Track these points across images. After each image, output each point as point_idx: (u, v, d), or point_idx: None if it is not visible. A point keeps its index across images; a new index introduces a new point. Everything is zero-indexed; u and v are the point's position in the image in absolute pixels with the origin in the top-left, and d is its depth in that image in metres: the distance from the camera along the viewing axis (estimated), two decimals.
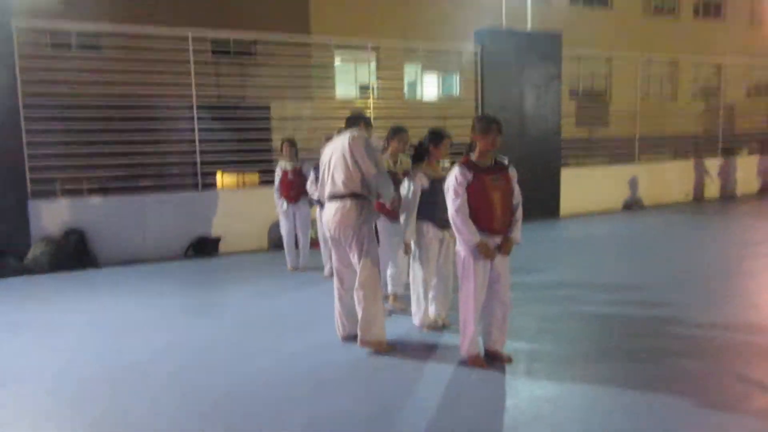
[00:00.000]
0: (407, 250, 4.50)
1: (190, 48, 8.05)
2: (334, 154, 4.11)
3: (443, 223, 4.21)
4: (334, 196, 4.08)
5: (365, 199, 4.08)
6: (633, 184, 11.79)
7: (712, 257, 7.09)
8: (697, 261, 6.85)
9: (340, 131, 4.44)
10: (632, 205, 11.65)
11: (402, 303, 5.17)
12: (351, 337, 4.28)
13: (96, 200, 7.77)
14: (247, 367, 3.93)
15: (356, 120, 4.36)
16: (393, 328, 4.60)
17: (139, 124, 8.66)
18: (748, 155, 13.87)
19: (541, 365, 3.81)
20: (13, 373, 3.93)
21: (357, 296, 4.13)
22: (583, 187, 11.12)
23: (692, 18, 19.92)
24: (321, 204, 4.78)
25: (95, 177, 9.13)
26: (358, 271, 4.09)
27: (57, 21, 8.60)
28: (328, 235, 4.25)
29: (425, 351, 4.13)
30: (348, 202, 4.03)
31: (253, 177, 12.33)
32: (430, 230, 4.41)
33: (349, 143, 4.02)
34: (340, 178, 4.03)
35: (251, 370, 3.89)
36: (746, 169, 13.54)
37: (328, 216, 4.13)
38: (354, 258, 4.11)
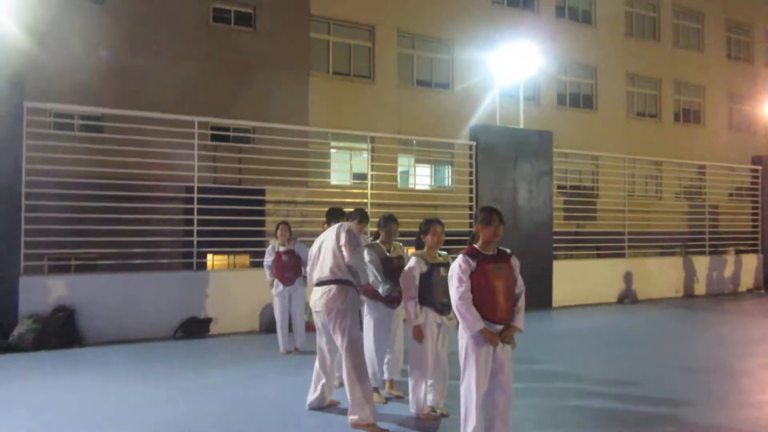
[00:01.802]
0: (419, 337, 4.40)
1: (196, 133, 8.34)
2: (325, 242, 4.49)
3: (442, 308, 4.31)
4: (321, 282, 4.42)
5: (350, 284, 4.40)
6: (626, 277, 11.95)
7: (708, 354, 7.11)
8: (692, 357, 6.85)
9: (329, 223, 4.81)
10: (624, 298, 11.76)
11: (398, 390, 5.11)
12: (316, 408, 4.66)
13: (88, 278, 7.75)
14: None
15: (336, 213, 4.88)
16: (390, 417, 4.53)
17: (137, 204, 8.79)
18: (735, 254, 14.19)
19: None
20: None
21: (347, 381, 4.31)
22: (575, 279, 11.26)
23: (673, 122, 21.01)
24: None
25: (89, 254, 9.13)
26: (344, 354, 4.33)
27: (63, 103, 8.91)
28: (315, 319, 4.51)
29: None
30: (333, 288, 4.36)
31: (244, 259, 12.37)
32: (429, 315, 4.45)
33: (337, 231, 4.42)
34: (328, 265, 4.39)
35: None
36: (734, 268, 13.81)
37: (315, 299, 4.45)
38: (339, 341, 4.37)
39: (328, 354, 4.60)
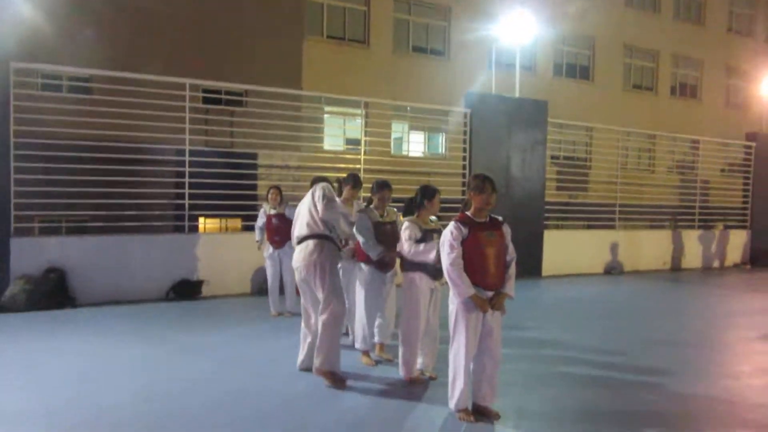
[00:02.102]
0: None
1: (187, 95, 8.24)
2: (302, 206, 4.72)
3: (435, 273, 4.36)
4: (299, 239, 4.62)
5: (326, 238, 4.56)
6: (613, 249, 12.09)
7: (691, 326, 7.26)
8: (675, 329, 6.99)
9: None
10: (612, 269, 11.91)
11: (388, 353, 5.20)
12: (307, 369, 4.72)
13: (79, 239, 7.73)
14: (226, 413, 3.90)
15: (319, 181, 4.88)
16: (379, 379, 4.62)
17: (127, 166, 8.73)
18: (724, 229, 14.35)
19: (529, 423, 3.85)
20: None
21: (320, 326, 4.47)
22: (565, 249, 11.38)
23: (669, 96, 20.96)
24: None
25: (80, 216, 9.10)
26: (322, 304, 4.48)
27: (53, 64, 8.76)
28: (296, 276, 4.66)
29: (412, 403, 4.14)
30: (310, 242, 4.54)
31: (236, 223, 12.38)
32: (423, 280, 4.51)
33: (312, 189, 4.69)
34: (304, 221, 4.60)
35: (245, 415, 3.86)
36: (722, 243, 13.99)
37: (296, 257, 4.63)
38: (319, 293, 4.52)
39: (312, 312, 4.69)
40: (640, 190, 15.12)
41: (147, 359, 5.13)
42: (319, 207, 4.53)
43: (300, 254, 4.56)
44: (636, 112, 19.15)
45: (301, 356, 4.82)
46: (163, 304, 7.62)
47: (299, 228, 4.64)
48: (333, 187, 4.95)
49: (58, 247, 7.39)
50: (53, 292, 7.06)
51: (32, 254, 7.21)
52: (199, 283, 8.06)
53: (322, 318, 4.47)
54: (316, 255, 4.49)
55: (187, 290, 7.93)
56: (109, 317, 6.77)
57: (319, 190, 4.58)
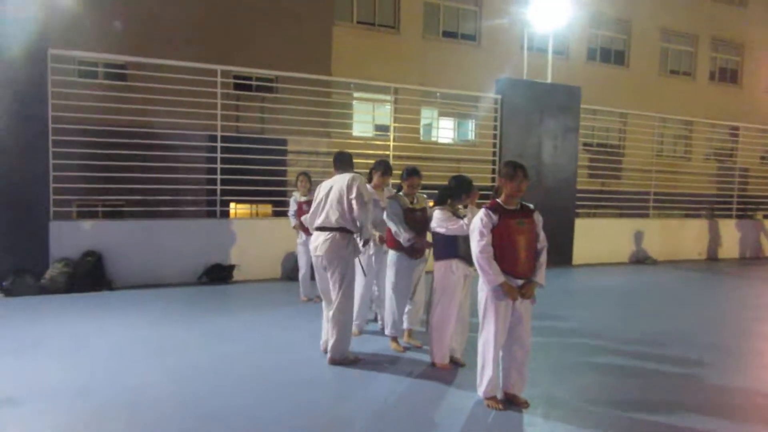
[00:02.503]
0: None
1: (218, 81, 8.33)
2: (333, 190, 4.62)
3: (470, 259, 4.33)
4: (324, 228, 4.61)
5: (352, 234, 4.60)
6: (646, 238, 11.87)
7: (727, 316, 7.11)
8: (710, 318, 6.86)
9: (337, 168, 4.85)
10: (645, 259, 11.70)
11: (416, 340, 5.23)
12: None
13: (115, 223, 7.92)
14: (272, 396, 3.98)
15: (345, 158, 4.86)
16: (407, 366, 4.65)
17: (161, 152, 8.88)
18: (763, 219, 13.96)
19: (559, 412, 3.84)
20: (32, 391, 3.98)
21: (333, 320, 4.60)
22: (596, 238, 11.22)
23: (708, 82, 20.36)
24: None
25: (115, 200, 9.31)
26: (335, 297, 4.58)
27: (88, 51, 8.94)
28: (315, 262, 4.68)
29: (441, 390, 4.16)
30: (337, 235, 4.57)
31: (266, 208, 12.52)
32: (460, 267, 4.51)
33: (349, 182, 4.56)
34: (335, 213, 4.57)
35: (276, 398, 3.93)
36: (761, 233, 13.61)
37: (317, 243, 4.62)
38: (333, 284, 4.60)
39: (329, 297, 4.74)
40: (675, 178, 14.77)
41: (179, 341, 5.25)
42: (355, 206, 4.52)
43: (325, 244, 4.57)
44: (672, 98, 18.66)
45: (323, 337, 4.90)
46: (195, 287, 7.77)
47: (326, 216, 4.62)
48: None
49: (95, 231, 7.59)
50: (91, 275, 7.26)
51: (70, 238, 7.41)
52: (230, 268, 8.19)
53: (333, 312, 4.59)
54: (342, 248, 4.55)
55: (219, 274, 8.07)
56: (143, 300, 6.94)
57: (356, 188, 4.54)
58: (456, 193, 4.60)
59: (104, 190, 8.54)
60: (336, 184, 4.65)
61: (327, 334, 4.79)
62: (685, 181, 15.36)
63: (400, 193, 5.08)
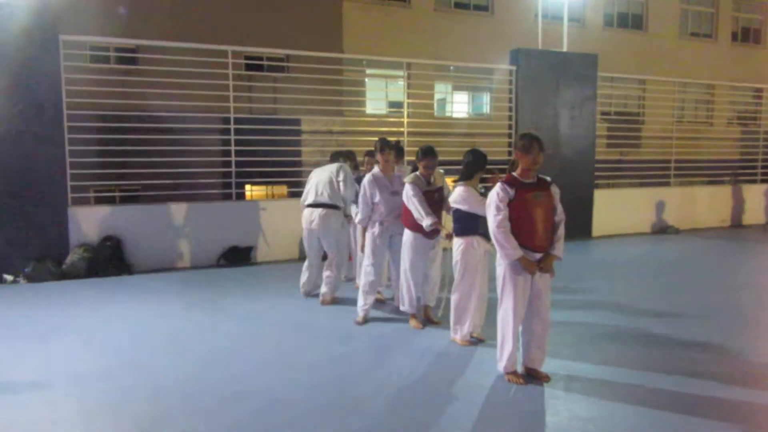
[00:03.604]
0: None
1: (230, 62, 8.28)
2: (323, 176, 5.89)
3: (489, 235, 4.28)
4: (317, 204, 5.82)
5: (340, 209, 5.85)
6: (668, 207, 11.69)
7: (753, 285, 7.00)
8: (734, 288, 6.76)
9: (333, 158, 6.27)
10: (666, 228, 11.54)
11: (435, 317, 5.25)
12: (309, 295, 6.22)
13: (132, 208, 8.00)
14: (293, 376, 4.02)
15: (336, 155, 6.27)
16: (426, 342, 4.67)
17: (175, 136, 8.92)
18: None
19: (581, 385, 3.83)
20: (59, 375, 4.06)
21: (327, 271, 5.94)
22: (616, 209, 11.08)
23: (730, 43, 19.81)
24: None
25: (132, 185, 9.39)
26: (335, 255, 5.90)
27: (99, 36, 8.94)
28: (307, 235, 5.91)
29: (461, 366, 4.17)
30: (330, 211, 5.78)
31: (282, 189, 12.56)
32: (481, 244, 4.48)
33: (337, 170, 5.89)
34: (326, 192, 5.80)
35: (297, 378, 3.97)
36: None
37: (314, 217, 5.80)
38: (332, 248, 5.90)
39: (314, 258, 6.07)
40: (697, 145, 14.47)
41: (200, 324, 5.32)
42: (342, 186, 5.81)
43: (318, 219, 5.76)
44: (693, 62, 18.20)
45: (304, 287, 6.21)
46: (213, 270, 7.84)
47: (318, 195, 5.82)
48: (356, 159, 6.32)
49: (113, 216, 7.67)
50: (110, 260, 7.36)
51: (89, 223, 7.50)
52: (248, 250, 8.25)
53: (330, 267, 5.91)
54: (333, 221, 5.79)
55: (236, 256, 8.13)
56: (163, 283, 7.03)
57: (342, 173, 5.85)
58: (479, 167, 4.53)
59: (120, 176, 8.60)
60: (327, 170, 5.91)
61: (309, 283, 6.18)
62: (708, 147, 15.05)
63: (417, 174, 5.03)
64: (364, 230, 5.47)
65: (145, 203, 8.39)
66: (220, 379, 3.97)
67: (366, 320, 5.27)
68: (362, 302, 5.29)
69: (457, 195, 4.50)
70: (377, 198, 5.24)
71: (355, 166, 6.50)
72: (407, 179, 5.02)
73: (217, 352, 4.51)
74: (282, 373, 4.07)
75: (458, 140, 12.96)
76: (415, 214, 4.86)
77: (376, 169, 5.37)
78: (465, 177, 4.55)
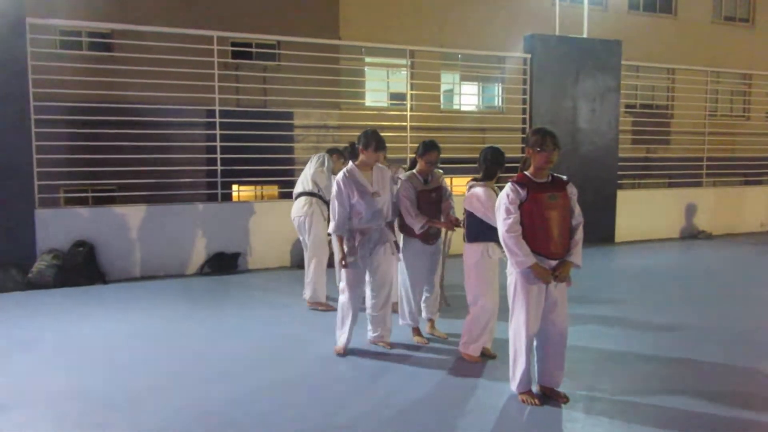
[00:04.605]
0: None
1: (215, 49, 8.30)
2: (308, 167, 6.49)
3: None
4: (296, 195, 6.44)
5: (316, 196, 6.34)
6: (700, 210, 11.68)
7: None
8: None
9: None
10: (698, 233, 11.53)
11: (440, 331, 5.25)
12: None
13: (107, 210, 8.00)
14: (255, 401, 4.02)
15: (335, 151, 6.73)
16: (432, 358, 4.66)
17: (155, 130, 8.93)
18: None
19: (603, 407, 3.82)
20: (25, 396, 4.06)
21: (306, 265, 6.33)
22: (641, 212, 11.08)
23: None
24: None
25: (106, 185, 9.40)
26: (309, 247, 6.31)
27: (69, 19, 8.96)
28: (294, 224, 6.44)
29: (469, 386, 4.17)
30: (303, 198, 6.34)
31: (272, 190, 12.58)
32: (496, 251, 4.48)
33: (318, 158, 6.52)
34: (301, 181, 6.44)
35: (288, 400, 3.97)
36: None
37: (292, 210, 6.42)
38: (307, 237, 6.30)
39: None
40: (732, 141, 14.49)
41: (182, 339, 5.32)
42: (319, 179, 6.35)
43: (295, 208, 6.38)
44: (728, 49, 18.21)
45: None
46: (197, 279, 7.84)
47: (296, 187, 6.48)
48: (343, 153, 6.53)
49: (86, 218, 7.67)
50: (82, 267, 7.35)
51: (59, 227, 7.51)
52: (235, 256, 8.25)
53: (306, 259, 6.30)
54: (307, 207, 6.27)
55: (222, 264, 8.13)
56: (141, 293, 7.03)
57: (317, 164, 6.44)
58: (494, 166, 4.54)
59: (94, 174, 8.60)
60: (311, 161, 6.50)
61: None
62: (744, 143, 15.06)
63: (414, 171, 5.03)
64: (341, 241, 4.82)
65: (121, 205, 8.39)
66: (205, 399, 3.97)
67: (345, 349, 4.85)
68: (338, 333, 4.92)
69: (476, 196, 4.47)
70: (355, 199, 4.74)
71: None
72: (402, 177, 5.04)
73: (201, 371, 4.51)
74: (274, 391, 4.06)
75: (467, 136, 13.00)
76: (404, 215, 4.90)
77: (351, 164, 4.89)
78: (487, 176, 4.55)
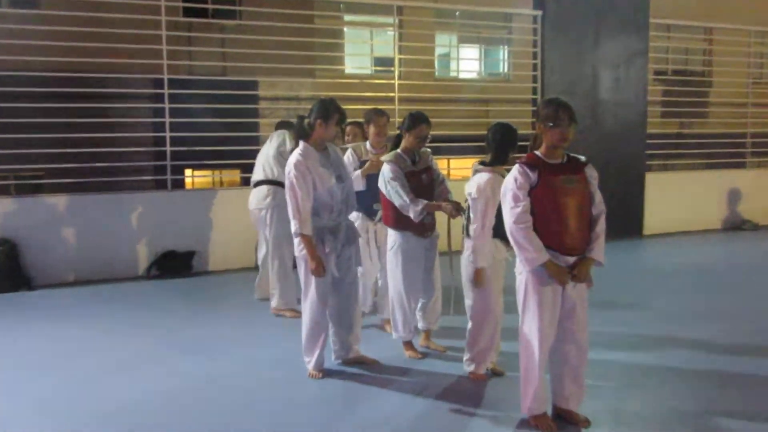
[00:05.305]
0: (478, 282, 4.48)
1: (162, 6, 8.21)
2: (267, 149, 6.48)
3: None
4: (254, 183, 6.48)
5: (280, 185, 5.88)
6: (743, 195, 11.75)
7: None
8: None
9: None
10: (742, 223, 11.61)
11: (436, 343, 5.27)
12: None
13: (32, 201, 7.92)
14: (240, 423, 3.98)
15: (281, 125, 6.81)
16: (429, 377, 4.66)
17: (91, 104, 8.82)
18: None
19: (629, 430, 3.83)
20: None
21: (269, 267, 6.40)
22: (675, 198, 11.13)
23: None
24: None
25: (32, 170, 9.29)
26: (270, 245, 6.39)
27: None
28: (252, 217, 6.58)
29: (472, 407, 4.17)
30: (264, 188, 6.37)
31: (233, 175, 12.51)
32: (502, 249, 4.49)
33: (280, 138, 6.48)
34: (260, 167, 6.49)
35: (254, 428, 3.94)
36: None
37: (250, 199, 6.51)
38: (267, 233, 6.40)
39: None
40: None
41: (124, 355, 5.27)
42: (273, 162, 6.38)
43: (254, 198, 6.47)
44: None
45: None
46: (142, 283, 7.79)
47: (254, 173, 6.51)
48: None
49: (7, 211, 7.59)
50: (3, 270, 7.27)
51: None
52: (188, 256, 8.20)
53: (270, 261, 6.39)
54: (270, 199, 6.33)
55: (173, 265, 8.09)
56: (74, 301, 6.97)
57: (274, 136, 6.52)
58: (506, 146, 4.52)
59: (16, 157, 8.49)
60: (271, 140, 6.55)
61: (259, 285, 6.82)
62: None
63: (399, 151, 4.97)
64: (309, 242, 4.55)
65: (50, 194, 8.29)
66: (150, 428, 3.92)
67: (322, 371, 4.80)
68: (306, 356, 4.85)
69: (486, 184, 4.41)
70: (319, 189, 4.59)
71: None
72: (385, 158, 4.97)
73: (149, 394, 4.47)
74: (237, 420, 4.03)
75: (466, 109, 12.96)
76: (397, 202, 4.81)
77: (302, 143, 4.71)
78: (497, 160, 4.51)
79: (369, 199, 5.43)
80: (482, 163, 4.56)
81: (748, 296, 7.13)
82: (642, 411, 4.10)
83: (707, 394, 4.39)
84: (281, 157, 6.24)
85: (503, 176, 4.39)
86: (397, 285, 5.05)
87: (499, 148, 4.52)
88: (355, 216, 5.36)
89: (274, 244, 6.37)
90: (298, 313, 5.84)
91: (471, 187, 4.48)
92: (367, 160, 5.48)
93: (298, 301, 6.18)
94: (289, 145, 6.25)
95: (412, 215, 4.77)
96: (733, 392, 4.43)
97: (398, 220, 4.93)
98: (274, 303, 6.35)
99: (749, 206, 11.77)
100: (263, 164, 6.46)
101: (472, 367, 4.65)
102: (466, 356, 4.70)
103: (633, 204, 10.67)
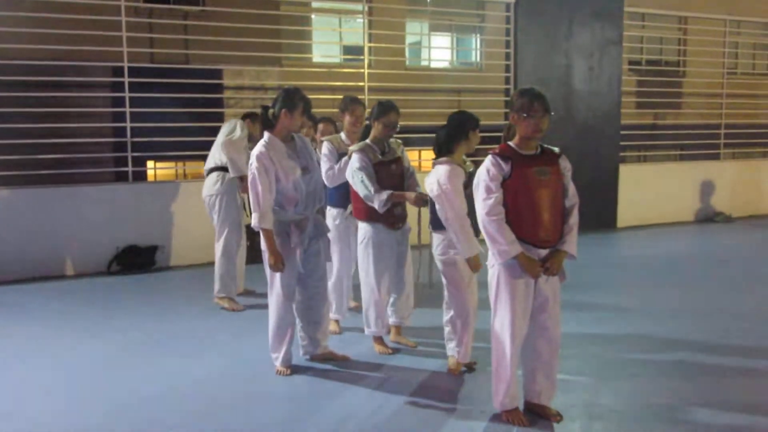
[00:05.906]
0: (475, 268, 4.49)
1: None
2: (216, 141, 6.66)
3: (477, 232, 4.29)
4: (208, 171, 6.63)
5: (225, 170, 6.45)
6: (716, 187, 11.92)
7: None
8: None
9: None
10: (715, 215, 11.78)
11: (407, 339, 5.28)
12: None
13: None
14: (205, 420, 3.99)
15: (248, 116, 6.86)
16: (400, 373, 4.70)
17: (46, 93, 8.71)
18: None
19: (602, 424, 3.89)
20: None
21: (215, 256, 6.53)
22: (649, 190, 11.27)
23: None
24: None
25: None
26: (216, 233, 6.54)
27: None
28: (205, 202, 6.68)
29: (444, 403, 4.20)
30: (213, 175, 6.54)
31: (197, 166, 12.41)
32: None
33: (223, 128, 6.63)
34: (212, 157, 6.64)
35: (213, 425, 3.94)
36: None
37: (206, 185, 6.64)
38: (215, 221, 6.55)
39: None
40: (755, 104, 14.81)
41: (85, 356, 5.23)
42: (224, 149, 6.44)
43: (204, 186, 6.66)
44: None
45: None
46: (103, 279, 7.72)
47: (211, 158, 6.67)
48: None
49: None
50: None
51: None
52: (151, 250, 8.15)
53: (216, 249, 6.52)
54: (218, 186, 6.49)
55: (135, 260, 8.03)
56: (27, 299, 6.90)
57: (225, 124, 6.62)
58: (460, 134, 4.50)
59: None
60: (222, 129, 6.62)
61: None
62: None
63: (368, 141, 5.00)
64: (269, 236, 4.50)
65: (3, 187, 8.18)
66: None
67: (290, 368, 4.78)
68: (273, 353, 4.82)
69: (441, 176, 4.40)
70: (283, 181, 4.54)
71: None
72: (353, 148, 4.99)
73: (112, 399, 4.44)
74: (202, 417, 4.04)
75: (438, 99, 12.99)
76: (362, 193, 4.83)
77: (267, 134, 4.65)
78: (442, 150, 4.50)
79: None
80: (435, 158, 4.59)
81: (722, 285, 7.25)
82: (615, 405, 4.15)
83: (680, 387, 4.45)
84: (230, 144, 6.39)
85: (459, 165, 4.44)
86: (369, 279, 5.08)
87: (447, 136, 4.50)
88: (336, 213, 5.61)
89: (219, 230, 6.54)
90: (236, 305, 6.47)
91: (431, 183, 4.45)
92: (346, 152, 5.25)
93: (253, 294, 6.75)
94: (239, 133, 6.43)
95: (376, 205, 4.80)
96: (705, 385, 4.50)
97: (368, 212, 4.95)
98: (215, 290, 6.49)
99: (722, 198, 11.95)
100: (213, 152, 6.65)
101: (459, 353, 4.66)
102: (451, 344, 4.71)
103: (606, 195, 10.78)
